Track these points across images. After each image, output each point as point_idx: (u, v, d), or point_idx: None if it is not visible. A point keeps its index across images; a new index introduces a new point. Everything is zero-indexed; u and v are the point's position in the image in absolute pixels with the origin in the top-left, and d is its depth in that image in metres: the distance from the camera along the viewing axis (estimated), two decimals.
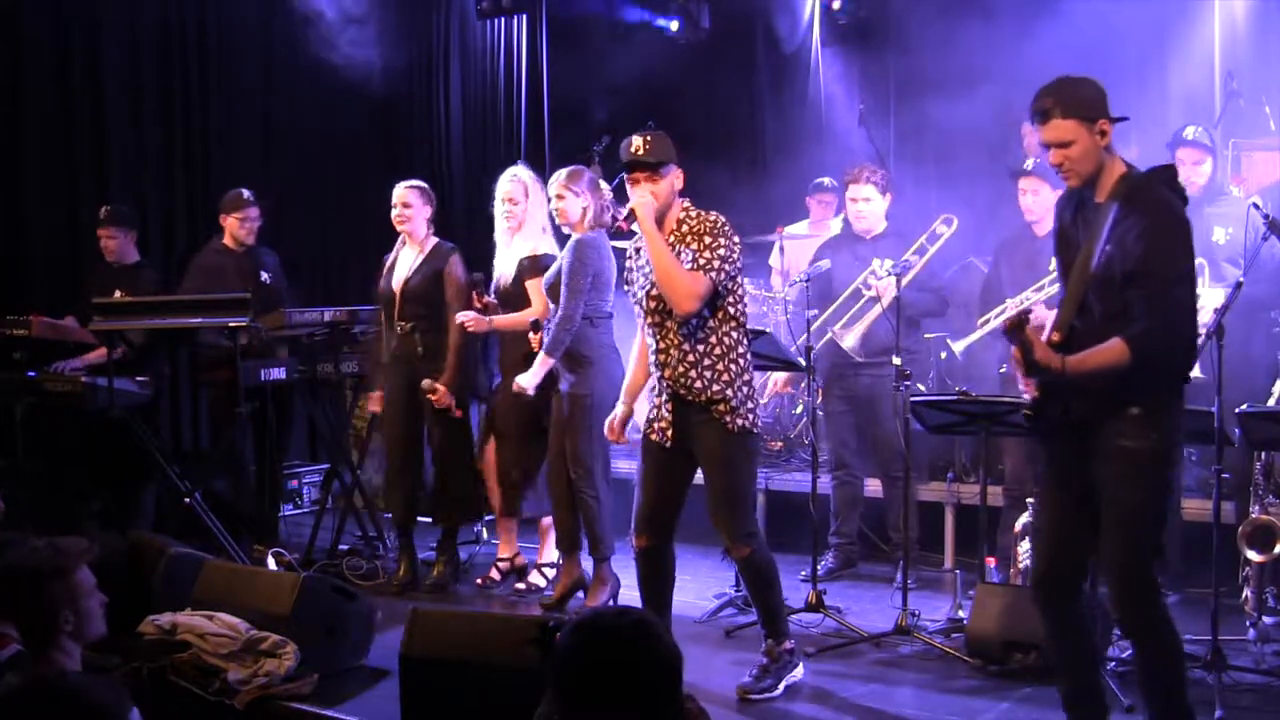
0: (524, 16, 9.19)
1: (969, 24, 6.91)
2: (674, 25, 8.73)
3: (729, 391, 4.22)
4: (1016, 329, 3.31)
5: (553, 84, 8.99)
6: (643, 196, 4.23)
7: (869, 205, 5.86)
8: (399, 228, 5.87)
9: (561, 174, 5.39)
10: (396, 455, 6.00)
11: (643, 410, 4.61)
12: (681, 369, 4.25)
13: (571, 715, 2.14)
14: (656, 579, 4.46)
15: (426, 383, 5.73)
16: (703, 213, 4.31)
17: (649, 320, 4.34)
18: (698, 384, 4.23)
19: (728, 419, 4.22)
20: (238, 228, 6.59)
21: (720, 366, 4.23)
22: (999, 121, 6.83)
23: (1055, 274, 5.35)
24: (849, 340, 5.77)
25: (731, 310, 4.28)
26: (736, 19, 8.63)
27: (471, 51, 9.46)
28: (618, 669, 2.11)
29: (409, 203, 5.84)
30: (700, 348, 4.23)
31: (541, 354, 5.30)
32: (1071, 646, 3.65)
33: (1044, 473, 3.60)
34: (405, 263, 5.90)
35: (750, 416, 4.27)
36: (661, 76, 8.26)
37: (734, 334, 4.28)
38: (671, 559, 4.48)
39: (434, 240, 5.93)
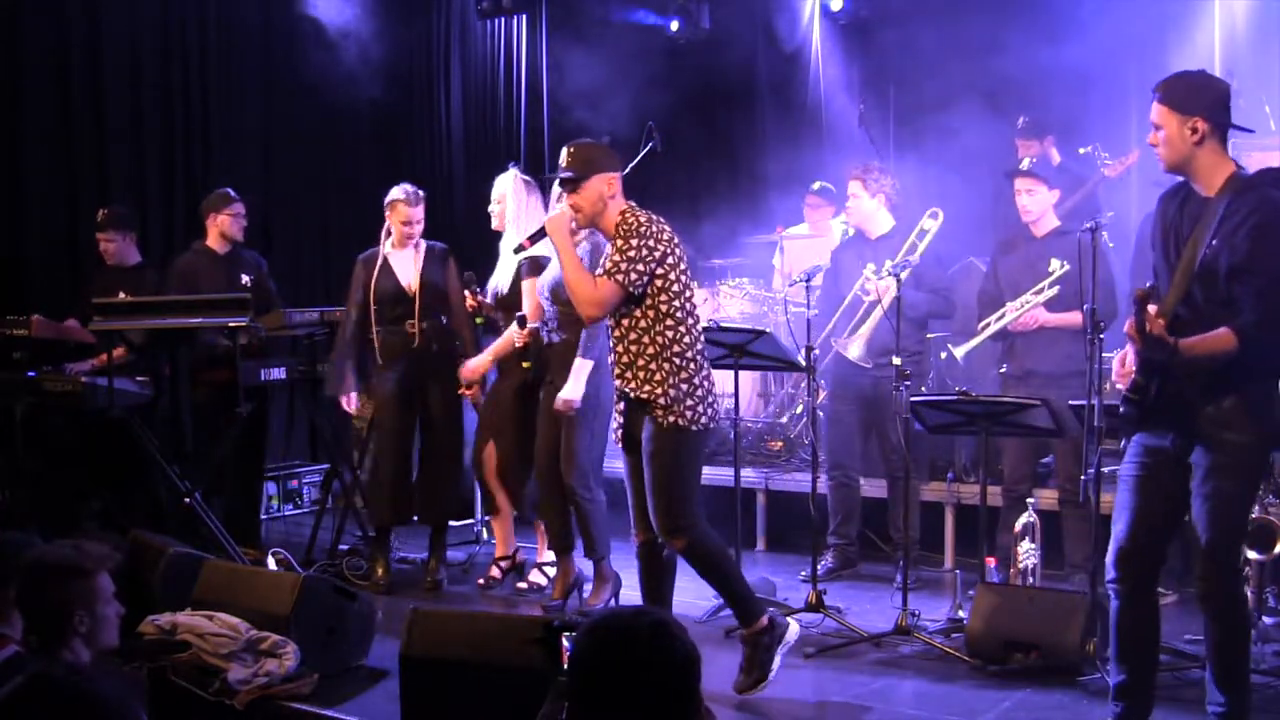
0: (524, 17, 9.21)
1: (969, 24, 6.92)
2: (674, 25, 8.73)
3: (658, 391, 4.24)
4: (1142, 302, 3.38)
5: (553, 84, 9.00)
6: (558, 212, 4.34)
7: (855, 203, 5.87)
8: (408, 243, 5.87)
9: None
10: (389, 454, 5.96)
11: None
12: (618, 370, 4.36)
13: (587, 716, 2.13)
14: (653, 572, 4.50)
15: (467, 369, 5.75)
16: (635, 214, 4.29)
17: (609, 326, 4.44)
18: (632, 384, 4.29)
19: (658, 415, 4.25)
20: (229, 225, 6.56)
21: (653, 367, 4.25)
22: (999, 122, 6.83)
23: (1054, 276, 5.40)
24: (854, 350, 5.74)
25: (665, 308, 4.24)
26: (736, 19, 8.63)
27: (471, 52, 9.47)
28: (635, 670, 2.10)
29: (420, 219, 5.86)
30: (634, 348, 4.27)
31: (580, 360, 5.24)
32: (1138, 632, 3.69)
33: (1133, 454, 3.66)
34: (406, 262, 5.90)
35: (688, 414, 4.25)
36: (662, 76, 8.27)
37: (669, 332, 4.25)
38: (670, 553, 4.49)
39: (424, 241, 5.94)
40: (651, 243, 4.19)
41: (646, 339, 4.25)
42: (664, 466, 4.28)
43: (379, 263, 5.89)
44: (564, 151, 4.33)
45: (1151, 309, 3.42)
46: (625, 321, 4.27)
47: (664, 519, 4.30)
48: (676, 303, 4.26)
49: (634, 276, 4.17)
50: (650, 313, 4.24)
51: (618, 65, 8.04)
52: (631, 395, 4.30)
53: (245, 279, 6.56)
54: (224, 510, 6.34)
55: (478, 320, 5.80)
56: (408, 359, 5.85)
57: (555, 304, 5.32)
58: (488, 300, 5.71)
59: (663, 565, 4.50)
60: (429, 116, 9.45)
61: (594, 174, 4.25)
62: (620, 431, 4.43)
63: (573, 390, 5.21)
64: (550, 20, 9.12)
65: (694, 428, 4.27)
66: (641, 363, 4.26)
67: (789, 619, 4.52)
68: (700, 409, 4.28)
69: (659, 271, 4.21)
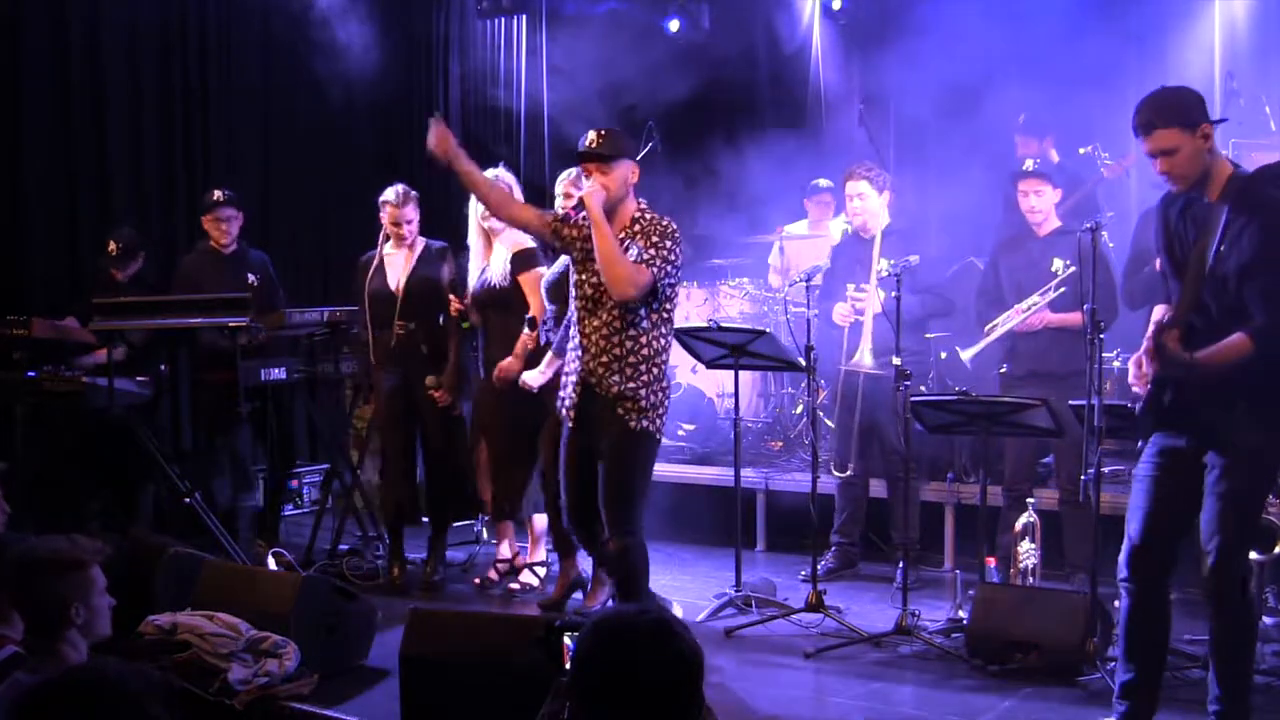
0: (524, 16, 9.20)
1: (969, 24, 6.90)
2: (674, 25, 8.73)
3: (642, 392, 4.34)
4: (1160, 325, 3.42)
5: (552, 84, 9.00)
6: (592, 186, 4.38)
7: (864, 202, 5.84)
8: (402, 243, 5.85)
9: (573, 173, 5.41)
10: (395, 455, 6.00)
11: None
12: (601, 363, 4.36)
13: (589, 715, 2.13)
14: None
15: (431, 379, 5.76)
16: (656, 216, 4.45)
17: (581, 305, 4.45)
18: (609, 380, 4.34)
19: (631, 418, 4.33)
20: (212, 228, 6.59)
21: (643, 368, 4.35)
22: (999, 122, 6.82)
23: (1061, 277, 5.40)
24: (867, 360, 5.74)
25: (666, 315, 4.42)
26: (736, 19, 8.63)
27: (471, 51, 9.46)
28: (638, 669, 2.10)
29: (411, 219, 5.84)
30: (627, 344, 4.34)
31: (551, 353, 5.28)
32: (1147, 632, 3.70)
33: (1148, 455, 3.68)
34: (398, 262, 5.90)
35: (656, 422, 4.39)
36: (661, 76, 8.26)
37: (662, 340, 4.41)
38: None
39: (422, 240, 5.94)
40: (679, 250, 4.38)
41: (644, 339, 4.34)
42: (630, 469, 4.38)
43: (374, 264, 5.90)
44: (592, 134, 4.44)
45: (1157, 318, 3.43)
46: (628, 317, 4.32)
47: (620, 519, 4.37)
48: (672, 312, 4.45)
49: (664, 276, 4.32)
50: (654, 316, 4.36)
51: (617, 65, 8.04)
52: (605, 392, 4.34)
53: (251, 278, 6.56)
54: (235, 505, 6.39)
55: (464, 325, 5.77)
56: (398, 360, 5.85)
57: (553, 303, 5.32)
58: (467, 302, 5.69)
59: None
60: (429, 115, 9.43)
61: (623, 158, 4.41)
62: (574, 413, 4.44)
63: (536, 377, 5.33)
64: (550, 20, 9.11)
65: (659, 435, 4.43)
66: (632, 360, 4.33)
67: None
68: (662, 419, 4.44)
69: (671, 276, 4.37)
